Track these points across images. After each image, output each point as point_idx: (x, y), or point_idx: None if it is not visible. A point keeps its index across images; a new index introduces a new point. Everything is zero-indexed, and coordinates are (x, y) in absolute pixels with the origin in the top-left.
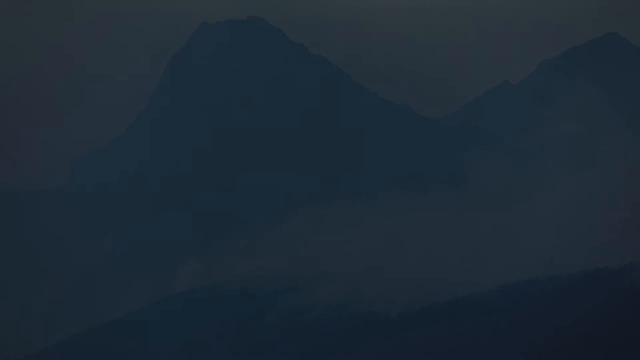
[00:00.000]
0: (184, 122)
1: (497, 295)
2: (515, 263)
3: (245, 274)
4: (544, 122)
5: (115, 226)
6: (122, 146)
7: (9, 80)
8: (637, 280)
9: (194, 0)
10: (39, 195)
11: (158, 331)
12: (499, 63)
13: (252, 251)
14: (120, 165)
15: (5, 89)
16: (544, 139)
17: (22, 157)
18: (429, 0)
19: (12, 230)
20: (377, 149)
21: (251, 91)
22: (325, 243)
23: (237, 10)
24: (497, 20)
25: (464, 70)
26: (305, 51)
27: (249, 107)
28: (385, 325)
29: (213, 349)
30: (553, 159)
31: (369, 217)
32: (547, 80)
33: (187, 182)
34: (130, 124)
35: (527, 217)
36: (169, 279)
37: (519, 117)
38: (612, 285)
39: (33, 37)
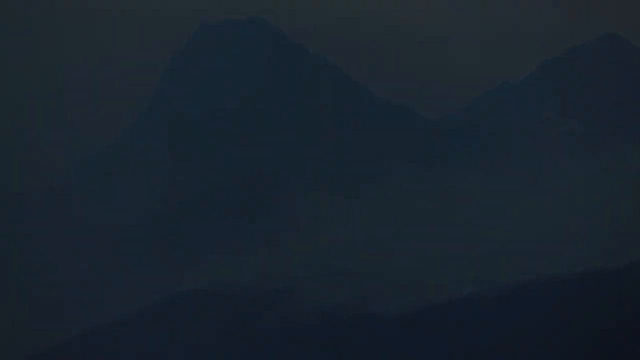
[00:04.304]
0: (184, 123)
1: (496, 295)
2: (515, 263)
3: (245, 274)
4: (544, 122)
5: (114, 227)
6: (122, 146)
7: (8, 80)
8: (637, 280)
9: (194, 0)
10: (39, 196)
11: (158, 332)
12: (499, 63)
13: (252, 251)
14: (120, 166)
15: (5, 89)
16: (544, 139)
17: (21, 157)
18: (429, 0)
19: (11, 230)
20: (377, 148)
21: (251, 91)
22: (324, 243)
23: (237, 10)
24: (497, 20)
25: (464, 70)
26: (305, 51)
27: (249, 107)
28: (386, 325)
29: (213, 350)
30: (553, 159)
31: (368, 217)
32: (547, 80)
33: (187, 182)
34: (130, 124)
35: (526, 217)
36: (168, 279)
37: (519, 117)
38: (612, 285)
39: (33, 38)
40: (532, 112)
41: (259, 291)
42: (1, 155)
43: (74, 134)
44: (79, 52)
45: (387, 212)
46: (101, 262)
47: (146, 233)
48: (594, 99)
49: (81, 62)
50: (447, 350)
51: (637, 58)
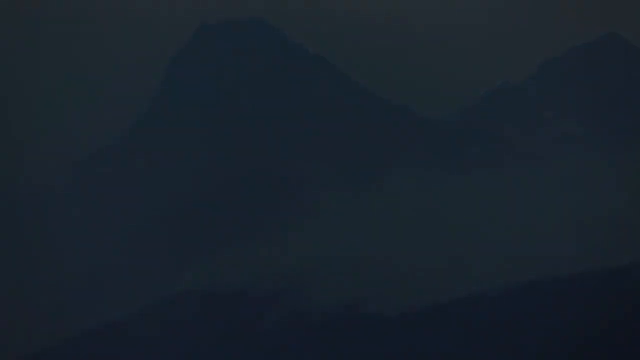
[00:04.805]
0: (184, 123)
1: (496, 295)
2: (515, 263)
3: (245, 274)
4: (544, 122)
5: (114, 227)
6: (122, 148)
7: (8, 80)
8: (637, 280)
9: (194, 0)
10: (39, 196)
11: (158, 332)
12: (499, 63)
13: (252, 251)
14: (120, 167)
15: (4, 89)
16: (544, 139)
17: (22, 157)
18: (429, 0)
19: (11, 230)
20: (377, 148)
21: (251, 91)
22: (325, 243)
23: (237, 10)
24: (497, 20)
25: (464, 70)
26: (305, 51)
27: (249, 108)
28: (386, 325)
29: (213, 350)
30: (553, 159)
31: (368, 217)
32: (547, 80)
33: (187, 183)
34: (130, 125)
35: (527, 218)
36: (168, 279)
37: (519, 117)
38: (612, 285)
39: (32, 38)
40: (532, 112)
41: (259, 291)
42: (1, 155)
43: (74, 134)
44: (78, 52)
45: (387, 212)
46: (101, 262)
47: (146, 233)
48: (594, 99)
49: (81, 62)
50: (447, 350)
51: (637, 58)
